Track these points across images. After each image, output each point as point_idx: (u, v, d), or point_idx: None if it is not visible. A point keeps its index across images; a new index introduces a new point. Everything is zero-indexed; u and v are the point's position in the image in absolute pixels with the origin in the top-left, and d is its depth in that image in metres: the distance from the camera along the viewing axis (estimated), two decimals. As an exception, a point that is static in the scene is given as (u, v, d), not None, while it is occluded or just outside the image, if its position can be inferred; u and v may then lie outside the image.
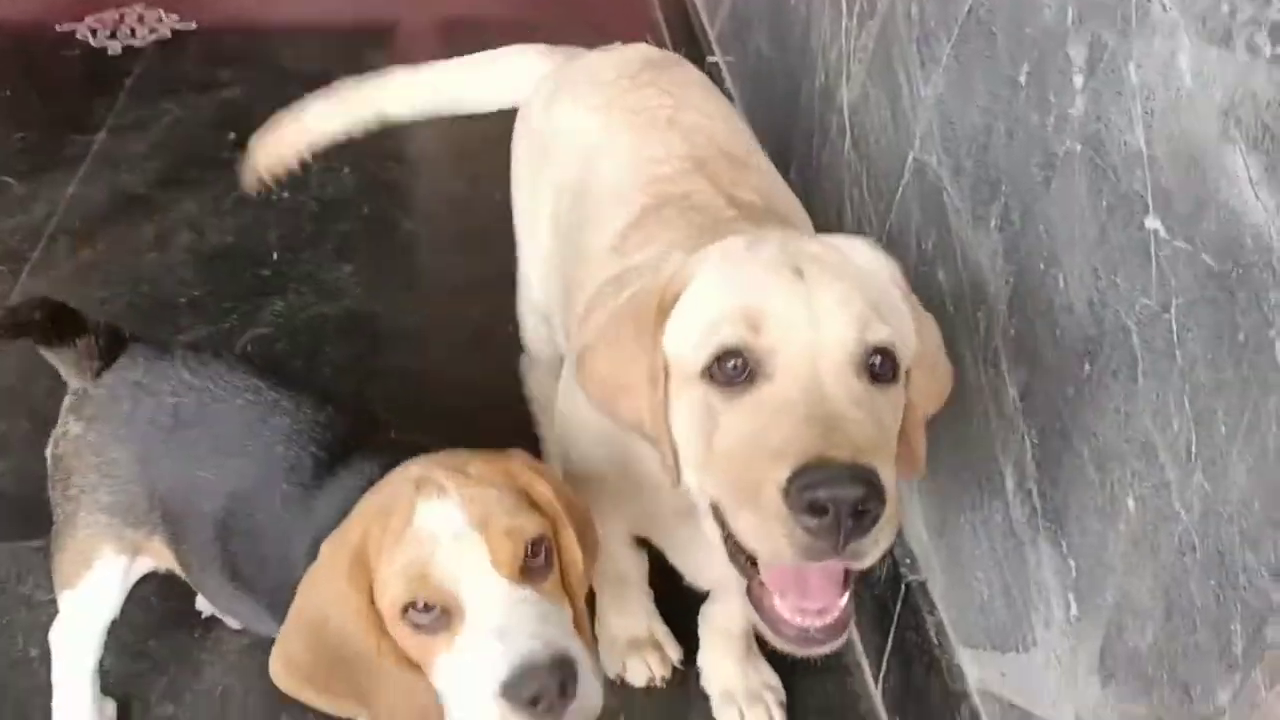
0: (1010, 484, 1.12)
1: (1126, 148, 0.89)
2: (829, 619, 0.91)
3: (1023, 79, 1.06)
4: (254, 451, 1.16)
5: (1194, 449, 0.82)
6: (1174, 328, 0.84)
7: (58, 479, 1.25)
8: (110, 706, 1.39)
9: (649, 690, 1.46)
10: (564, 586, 1.00)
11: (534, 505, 0.98)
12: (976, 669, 1.23)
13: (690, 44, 2.67)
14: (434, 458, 1.01)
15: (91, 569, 1.25)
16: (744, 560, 0.93)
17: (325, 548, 0.99)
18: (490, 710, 0.92)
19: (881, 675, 1.45)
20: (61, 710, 1.34)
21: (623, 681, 1.46)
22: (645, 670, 1.45)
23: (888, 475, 0.83)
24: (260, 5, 3.16)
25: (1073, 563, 1.01)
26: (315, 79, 2.82)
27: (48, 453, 1.28)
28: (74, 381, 1.24)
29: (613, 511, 1.25)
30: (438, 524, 0.94)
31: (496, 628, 0.92)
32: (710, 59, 2.50)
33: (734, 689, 1.42)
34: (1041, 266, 1.04)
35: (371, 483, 1.04)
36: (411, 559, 0.93)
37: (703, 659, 1.44)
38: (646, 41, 1.55)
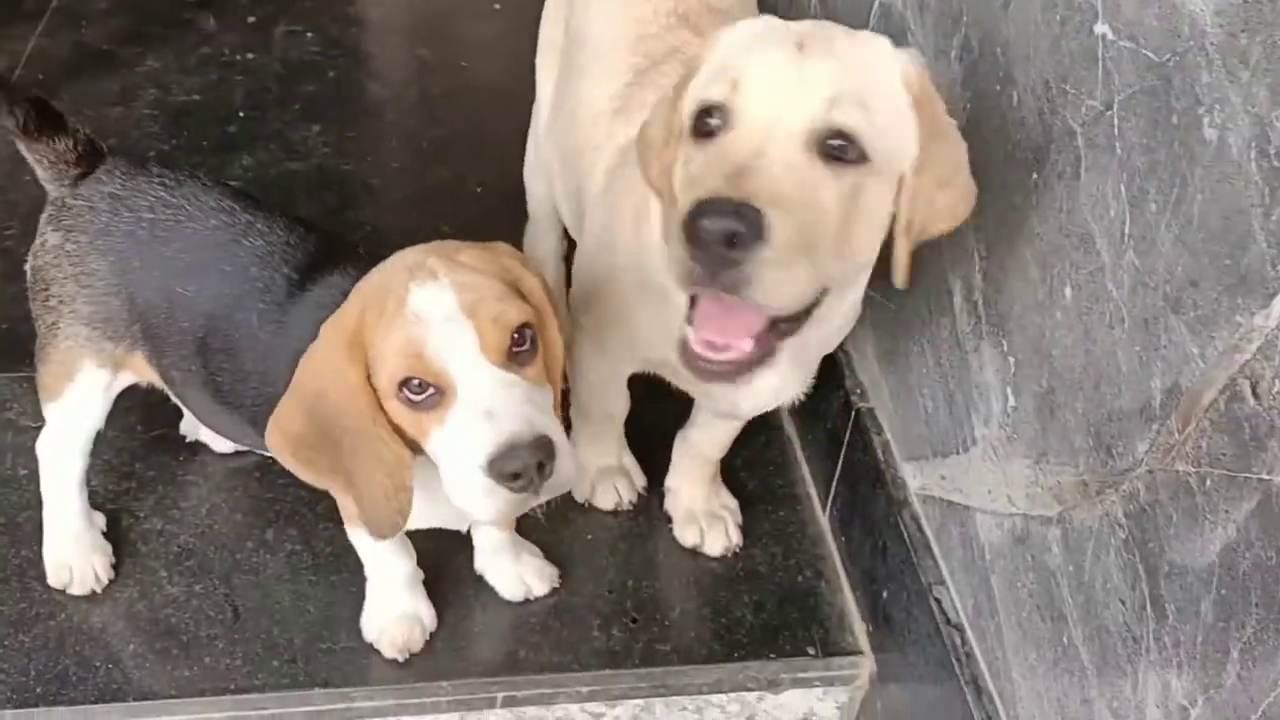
0: (958, 300, 1.21)
1: (1079, -40, 0.96)
2: (726, 355, 0.98)
3: (985, -93, 1.12)
4: (229, 272, 1.20)
5: (1127, 230, 0.91)
6: (1115, 122, 0.92)
7: (37, 290, 1.29)
8: (99, 518, 1.45)
9: (615, 513, 1.56)
10: (545, 372, 1.08)
11: (520, 295, 1.05)
12: (919, 478, 1.33)
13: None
14: (427, 246, 1.07)
15: (74, 381, 1.29)
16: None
17: (325, 328, 1.05)
18: (476, 481, 1.00)
19: (830, 499, 1.55)
20: (51, 519, 1.40)
21: (590, 505, 1.55)
22: (614, 495, 1.54)
23: (781, 225, 0.89)
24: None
25: (1012, 359, 1.10)
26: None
27: (27, 265, 1.31)
28: (52, 189, 1.27)
29: (628, 350, 1.32)
30: (430, 307, 1.00)
31: (485, 409, 0.99)
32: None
33: (696, 509, 1.52)
34: (997, 88, 1.11)
35: (345, 295, 1.10)
36: (406, 339, 1.00)
37: (671, 480, 1.53)
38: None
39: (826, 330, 1.18)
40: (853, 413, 1.47)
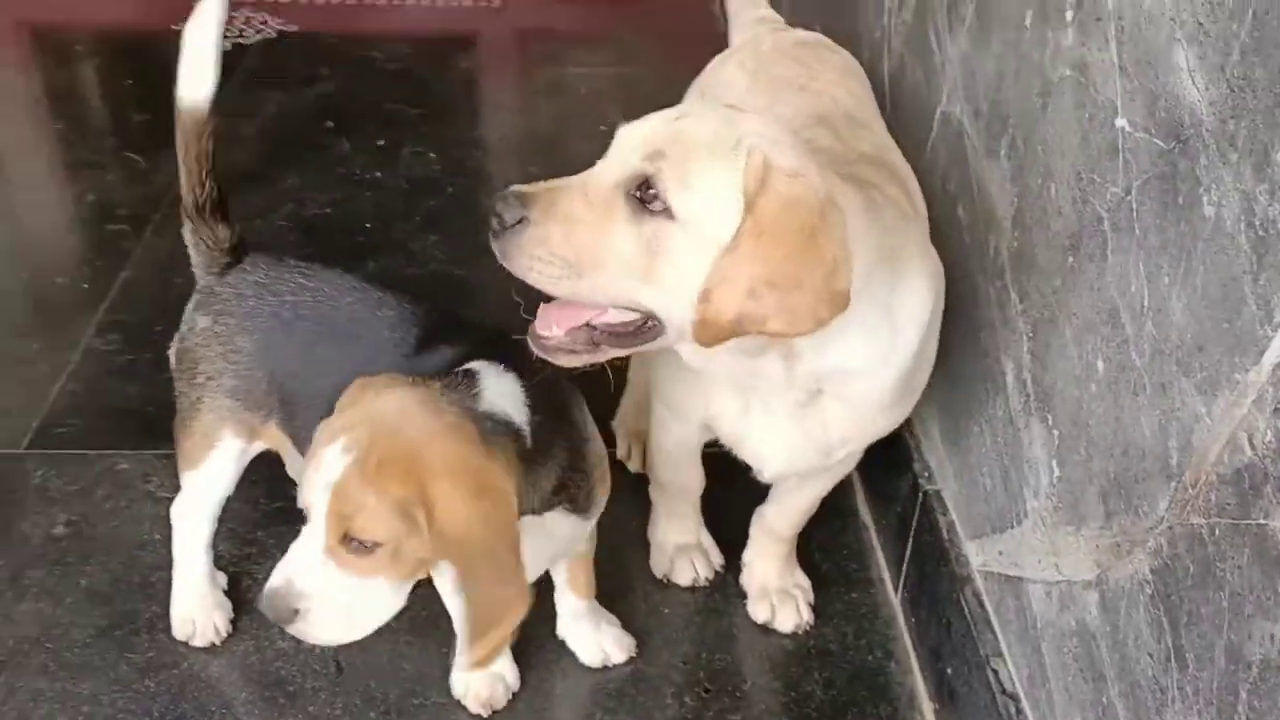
0: (1010, 379, 1.28)
1: (1101, 63, 1.06)
2: (542, 336, 1.16)
3: (1028, 22, 1.23)
4: (365, 336, 1.35)
5: (1146, 304, 0.98)
6: (1134, 206, 1.00)
7: (184, 369, 1.45)
8: (222, 579, 1.59)
9: (692, 589, 1.63)
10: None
11: (405, 511, 1.08)
12: (980, 555, 1.38)
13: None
14: (381, 402, 1.14)
15: (213, 450, 1.45)
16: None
17: None
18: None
19: (901, 581, 1.60)
20: (180, 578, 1.54)
21: (669, 580, 1.63)
22: (691, 572, 1.62)
23: (540, 226, 1.08)
24: (355, 13, 3.43)
25: (1056, 432, 1.16)
26: (403, 77, 3.10)
27: (171, 350, 1.48)
28: (201, 276, 1.45)
29: (690, 414, 1.42)
30: (324, 467, 1.10)
31: (285, 559, 1.14)
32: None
33: (770, 586, 1.58)
34: (1039, 181, 1.20)
35: (465, 357, 1.24)
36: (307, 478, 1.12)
37: (748, 555, 1.61)
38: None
39: (845, 410, 1.28)
40: (920, 495, 1.53)
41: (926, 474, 1.55)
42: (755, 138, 1.08)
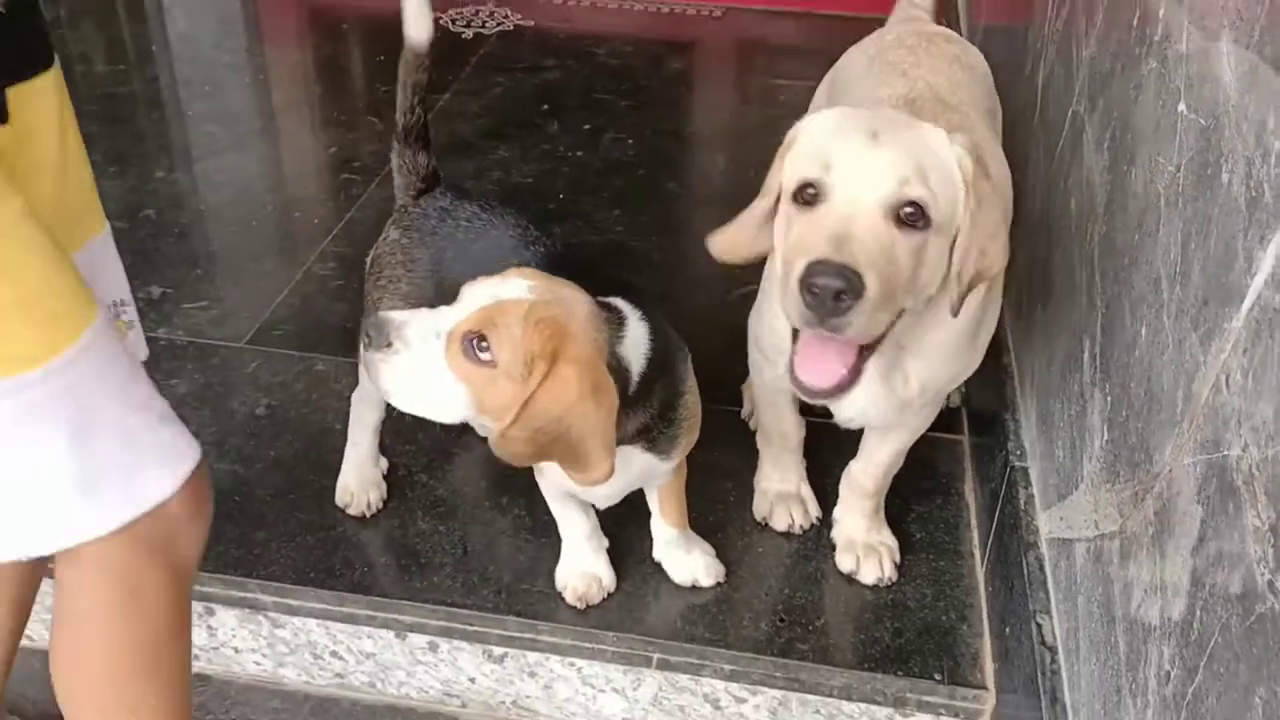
0: (1085, 356, 1.36)
1: (1177, 53, 1.14)
2: (822, 383, 1.24)
3: (1135, 21, 1.32)
4: (518, 262, 1.56)
5: (1178, 270, 1.06)
6: (1179, 181, 1.09)
7: (372, 274, 1.70)
8: (383, 463, 1.84)
9: (787, 535, 1.77)
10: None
11: (531, 361, 1.23)
12: (1048, 524, 1.46)
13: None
14: (568, 289, 1.30)
15: None
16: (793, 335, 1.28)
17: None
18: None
19: (986, 553, 1.68)
20: (350, 455, 1.80)
21: (767, 524, 1.77)
22: (788, 518, 1.76)
23: (873, 282, 1.15)
24: (586, 13, 3.72)
25: (1110, 399, 1.24)
26: (619, 73, 3.34)
27: (369, 257, 1.74)
28: (400, 196, 1.70)
29: (780, 358, 1.56)
30: (505, 284, 1.27)
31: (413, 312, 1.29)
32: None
33: (856, 539, 1.70)
34: (1125, 167, 1.29)
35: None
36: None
37: (837, 512, 1.73)
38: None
39: (922, 362, 1.40)
40: (1009, 471, 1.61)
41: (1019, 452, 1.63)
42: (944, 134, 1.24)
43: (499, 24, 3.57)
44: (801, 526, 1.76)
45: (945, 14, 3.28)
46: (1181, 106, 1.11)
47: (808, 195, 1.23)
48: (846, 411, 1.49)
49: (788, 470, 1.76)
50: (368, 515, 1.78)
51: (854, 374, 1.25)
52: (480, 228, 1.61)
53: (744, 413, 1.96)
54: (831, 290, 1.14)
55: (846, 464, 1.70)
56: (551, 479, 1.55)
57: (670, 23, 3.69)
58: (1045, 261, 1.63)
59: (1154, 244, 1.15)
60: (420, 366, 1.25)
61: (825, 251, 1.15)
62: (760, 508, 1.78)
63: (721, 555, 1.71)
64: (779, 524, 1.76)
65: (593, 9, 3.74)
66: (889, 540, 1.71)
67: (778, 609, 1.64)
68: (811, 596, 1.67)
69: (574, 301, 1.29)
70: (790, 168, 1.28)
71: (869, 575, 1.67)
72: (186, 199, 2.69)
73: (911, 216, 1.19)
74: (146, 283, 2.31)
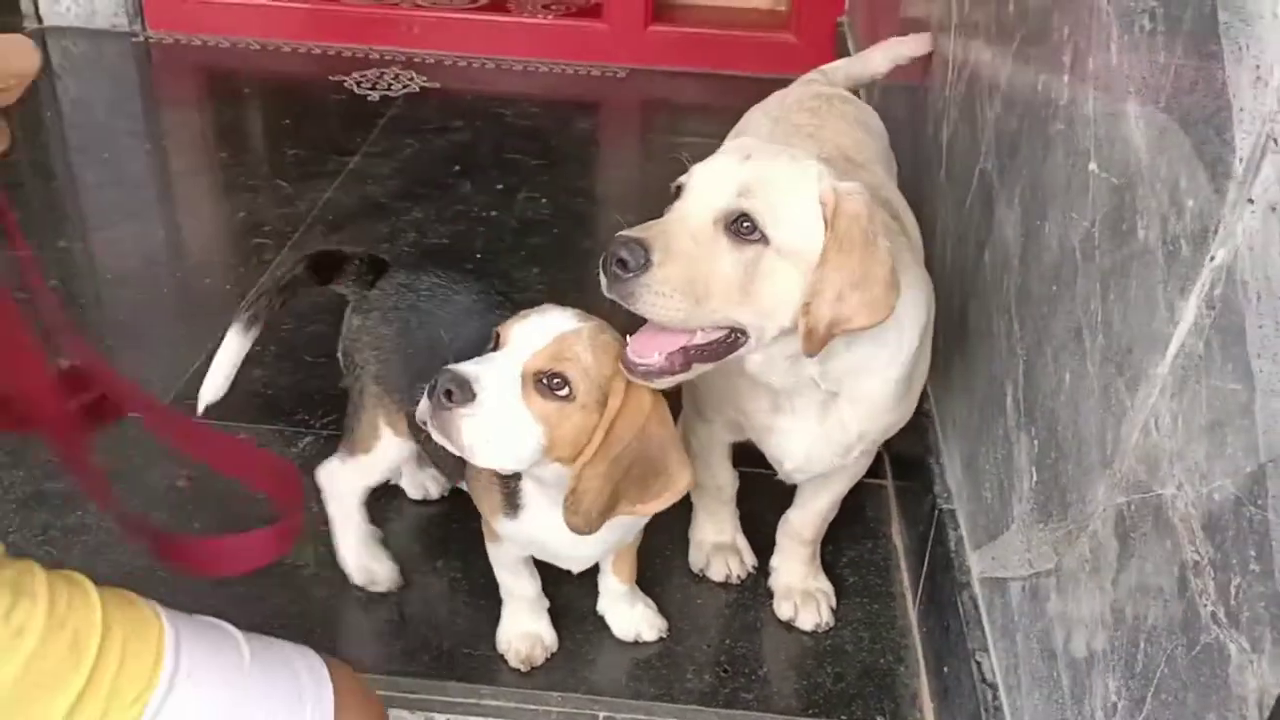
0: (1009, 400, 1.43)
1: (1083, 116, 1.22)
2: (639, 359, 1.27)
3: (1039, 87, 1.40)
4: (482, 325, 1.54)
5: (1098, 317, 1.13)
6: (1095, 236, 1.16)
7: (348, 365, 1.66)
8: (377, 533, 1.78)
9: (725, 586, 1.79)
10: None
11: (603, 387, 1.28)
12: (979, 564, 1.51)
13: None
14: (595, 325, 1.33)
15: (379, 439, 1.64)
16: None
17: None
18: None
19: (918, 594, 1.73)
20: (344, 535, 1.75)
21: (704, 575, 1.80)
22: (725, 569, 1.78)
23: (662, 262, 1.20)
24: (493, 75, 3.76)
25: (1036, 442, 1.31)
26: (528, 133, 3.38)
27: (339, 352, 1.70)
28: (354, 295, 1.68)
29: (718, 417, 1.60)
30: (552, 318, 1.31)
31: (475, 362, 1.27)
32: (861, 132, 2.89)
33: (794, 586, 1.73)
34: (1037, 222, 1.36)
35: None
36: None
37: (775, 561, 1.76)
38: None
39: (860, 410, 1.45)
40: (937, 514, 1.67)
41: (945, 495, 1.69)
42: (819, 170, 1.29)
43: (405, 86, 3.59)
44: (738, 576, 1.79)
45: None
46: (1092, 166, 1.18)
47: (674, 198, 1.31)
48: (789, 463, 1.53)
49: (723, 521, 1.79)
50: (393, 590, 1.75)
51: (672, 365, 1.27)
52: (443, 293, 1.61)
53: None
54: (615, 256, 1.20)
55: (780, 514, 1.74)
56: (509, 549, 1.56)
57: (576, 84, 3.76)
58: (960, 311, 1.71)
59: (1072, 295, 1.22)
60: (501, 415, 1.24)
61: (635, 231, 1.23)
62: (696, 560, 1.80)
63: (661, 608, 1.73)
64: (716, 575, 1.79)
65: (498, 71, 3.79)
66: (825, 586, 1.75)
67: (720, 660, 1.66)
68: (752, 646, 1.69)
69: (606, 324, 1.34)
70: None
71: (807, 621, 1.71)
72: (89, 269, 2.63)
73: (744, 228, 1.24)
74: (53, 356, 2.24)
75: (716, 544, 1.79)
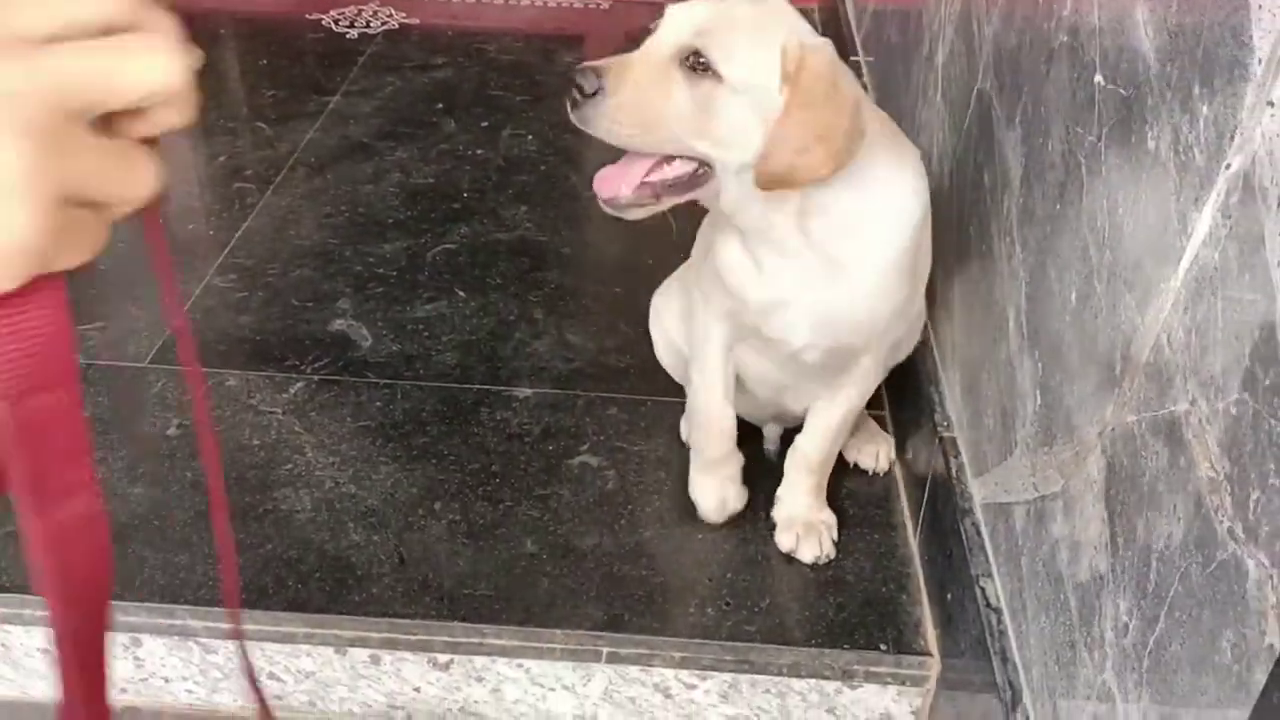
0: (1011, 324, 1.40)
1: (1088, 26, 1.18)
2: (604, 192, 1.40)
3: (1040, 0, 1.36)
4: None
5: (1107, 235, 1.10)
6: (1102, 150, 1.12)
7: None
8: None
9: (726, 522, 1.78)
10: None
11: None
12: (981, 490, 1.50)
13: (839, 49, 3.02)
14: None
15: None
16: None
17: None
18: None
19: (919, 524, 1.72)
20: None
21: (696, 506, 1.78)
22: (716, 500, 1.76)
23: (617, 88, 1.30)
24: (473, 10, 3.68)
25: (1040, 364, 1.28)
26: (512, 69, 3.31)
27: None
28: None
29: (722, 301, 1.59)
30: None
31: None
32: (853, 58, 2.83)
33: (796, 517, 1.72)
34: (1040, 140, 1.33)
35: None
36: None
37: (781, 491, 1.73)
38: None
39: (866, 281, 1.47)
40: (938, 441, 1.65)
41: (945, 423, 1.67)
42: (789, 22, 1.36)
43: (383, 23, 3.50)
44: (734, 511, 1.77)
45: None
46: (1098, 78, 1.15)
47: (645, 34, 1.38)
48: (797, 338, 1.53)
49: (726, 468, 1.75)
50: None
51: (640, 197, 1.38)
52: None
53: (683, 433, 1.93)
54: (575, 83, 1.31)
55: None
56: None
57: (558, 17, 3.67)
58: (960, 236, 1.67)
59: (1077, 212, 1.19)
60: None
61: (597, 62, 1.32)
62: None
63: (661, 546, 1.71)
64: (711, 512, 1.76)
65: (478, 5, 3.70)
66: (828, 518, 1.73)
67: (721, 594, 1.65)
68: (753, 579, 1.68)
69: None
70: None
71: (808, 553, 1.69)
72: (69, 216, 2.57)
73: (698, 64, 1.32)
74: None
75: (719, 479, 1.77)
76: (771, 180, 1.34)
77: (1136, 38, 1.05)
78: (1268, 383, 0.79)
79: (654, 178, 1.38)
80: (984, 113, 1.60)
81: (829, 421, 1.66)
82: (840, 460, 1.88)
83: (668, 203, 1.41)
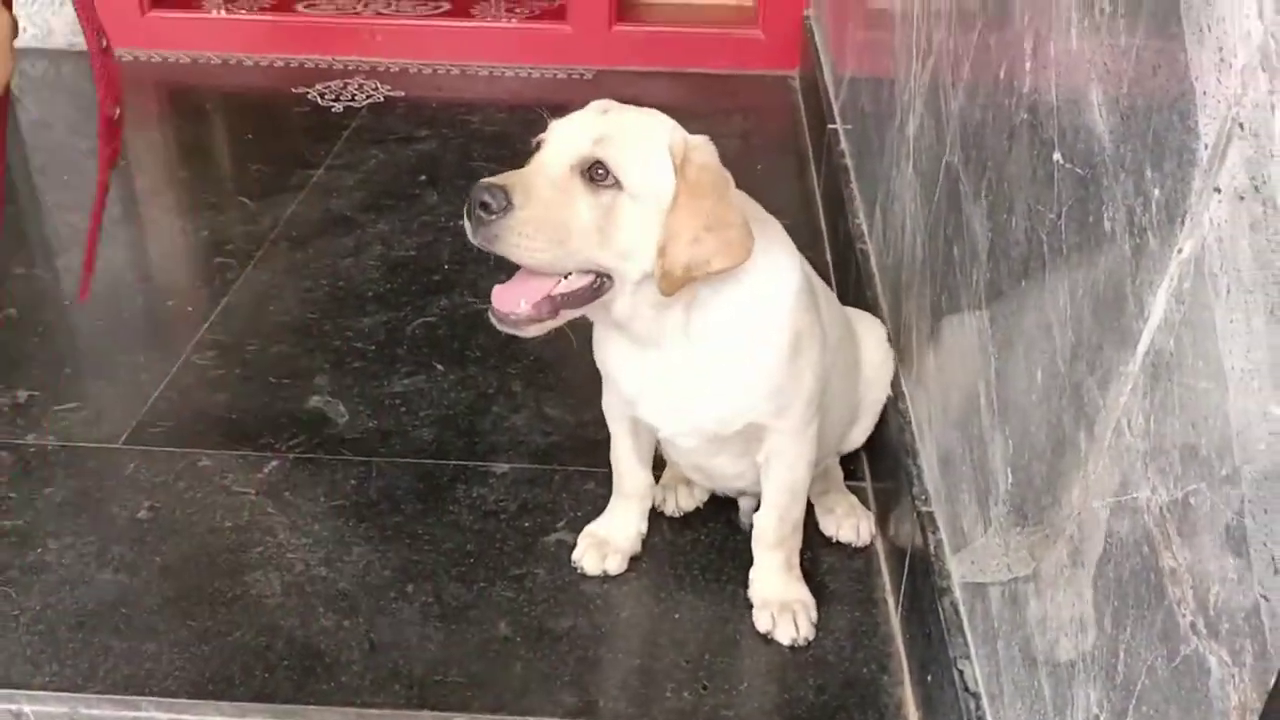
0: (982, 400, 1.39)
1: (1047, 105, 1.18)
2: (502, 307, 1.41)
3: (1001, 75, 1.36)
4: None
5: (1068, 313, 1.09)
6: (1062, 227, 1.11)
7: None
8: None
9: (704, 597, 1.74)
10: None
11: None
12: (959, 568, 1.47)
13: (818, 116, 3.05)
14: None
15: None
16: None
17: None
18: None
19: (900, 601, 1.69)
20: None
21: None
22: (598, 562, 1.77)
23: (524, 204, 1.29)
24: (459, 82, 3.71)
25: (1011, 442, 1.26)
26: (495, 139, 3.34)
27: None
28: None
29: (611, 391, 1.65)
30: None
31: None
32: (830, 125, 2.85)
33: (771, 598, 1.69)
34: (1004, 215, 1.32)
35: None
36: None
37: (752, 572, 1.72)
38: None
39: (739, 372, 1.51)
40: (916, 515, 1.63)
41: (923, 497, 1.64)
42: (670, 123, 1.41)
43: (369, 96, 3.54)
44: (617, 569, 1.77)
45: (808, 66, 3.38)
46: (1057, 155, 1.14)
47: (532, 149, 1.40)
48: (664, 428, 1.59)
49: (623, 519, 1.78)
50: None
51: (539, 312, 1.38)
52: None
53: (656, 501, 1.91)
54: (478, 200, 1.29)
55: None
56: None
57: (542, 87, 3.71)
58: (932, 307, 1.67)
59: (1040, 290, 1.18)
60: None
61: (497, 177, 1.32)
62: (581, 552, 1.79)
63: (637, 626, 1.68)
64: (590, 566, 1.77)
65: (463, 77, 3.74)
66: (804, 596, 1.70)
67: (699, 677, 1.62)
68: (732, 660, 1.65)
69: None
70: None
71: (784, 636, 1.66)
72: (49, 295, 2.57)
73: (598, 175, 1.33)
74: (12, 386, 2.19)
75: (603, 539, 1.78)
76: (672, 282, 1.36)
77: (1091, 118, 1.05)
78: (1224, 473, 0.77)
79: (554, 291, 1.38)
80: (952, 186, 1.59)
81: (772, 498, 1.66)
82: (821, 534, 1.86)
83: (565, 317, 1.41)
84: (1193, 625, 0.80)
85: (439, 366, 2.28)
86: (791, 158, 3.24)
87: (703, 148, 1.41)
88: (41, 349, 2.33)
